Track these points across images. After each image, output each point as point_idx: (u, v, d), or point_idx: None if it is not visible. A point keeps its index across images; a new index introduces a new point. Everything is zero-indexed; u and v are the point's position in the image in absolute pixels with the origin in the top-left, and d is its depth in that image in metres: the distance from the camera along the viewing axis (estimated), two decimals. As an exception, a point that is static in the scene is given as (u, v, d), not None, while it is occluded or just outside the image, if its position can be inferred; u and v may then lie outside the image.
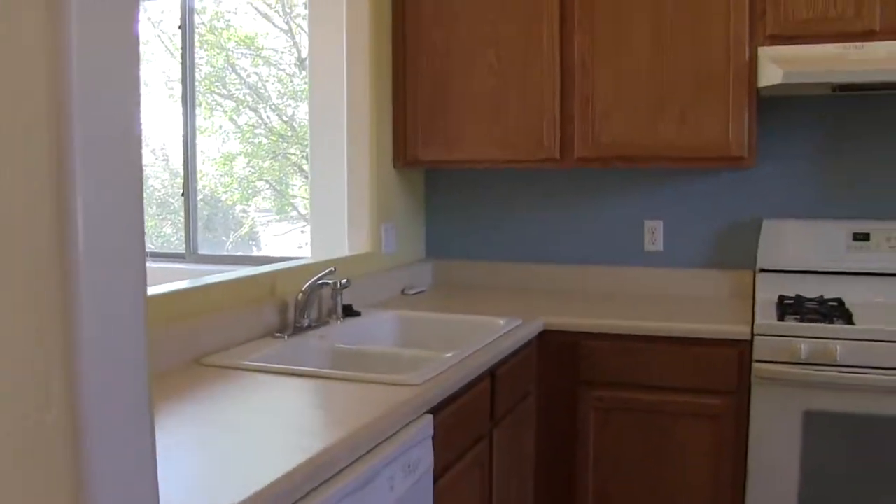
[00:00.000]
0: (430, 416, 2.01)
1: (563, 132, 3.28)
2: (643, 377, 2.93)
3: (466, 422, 2.30)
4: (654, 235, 3.58)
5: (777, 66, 2.94)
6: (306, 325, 2.64)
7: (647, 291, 3.57)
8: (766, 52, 3.02)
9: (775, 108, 3.34)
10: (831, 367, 2.74)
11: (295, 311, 2.64)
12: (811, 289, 3.28)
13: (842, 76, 2.91)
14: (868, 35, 2.95)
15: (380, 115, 3.40)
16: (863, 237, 3.28)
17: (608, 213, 3.63)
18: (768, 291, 3.34)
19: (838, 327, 2.78)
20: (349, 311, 2.89)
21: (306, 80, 5.60)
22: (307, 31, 5.80)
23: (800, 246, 3.34)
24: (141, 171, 0.94)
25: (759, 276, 3.39)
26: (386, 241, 3.45)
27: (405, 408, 1.90)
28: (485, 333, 2.69)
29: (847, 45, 2.94)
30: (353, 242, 3.38)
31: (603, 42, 3.20)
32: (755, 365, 2.82)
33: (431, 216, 3.88)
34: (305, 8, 5.62)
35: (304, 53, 5.54)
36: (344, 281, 2.79)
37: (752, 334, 2.83)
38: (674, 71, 3.14)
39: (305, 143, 5.76)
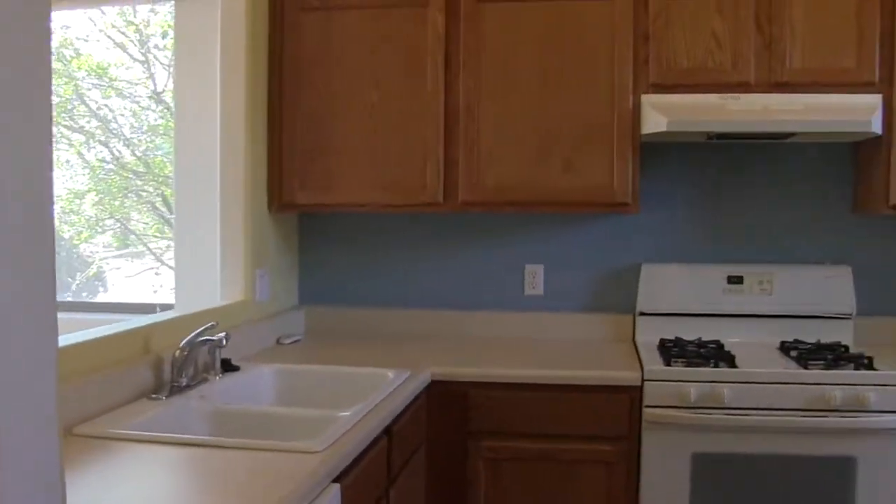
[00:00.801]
0: (337, 486, 1.88)
1: (447, 176, 3.23)
2: (534, 426, 2.88)
3: (368, 484, 2.18)
4: (535, 279, 3.57)
5: (661, 113, 2.99)
6: (184, 384, 2.44)
7: (529, 335, 3.55)
8: (649, 100, 3.06)
9: (653, 154, 3.40)
10: (719, 410, 2.78)
11: (172, 369, 2.45)
12: (689, 331, 3.34)
13: (724, 125, 2.99)
14: (744, 87, 3.04)
15: (255, 158, 3.24)
16: (737, 280, 3.36)
17: (488, 257, 3.60)
18: (648, 334, 3.39)
19: (724, 370, 2.83)
20: (228, 366, 2.71)
21: (162, 114, 5.36)
22: (168, 63, 5.55)
23: (678, 289, 3.40)
24: None
25: (639, 320, 3.43)
26: (260, 289, 3.29)
27: (311, 479, 1.76)
28: (374, 387, 2.58)
29: (725, 95, 3.02)
30: (226, 290, 3.20)
31: (489, 85, 3.17)
32: (646, 410, 2.82)
33: (305, 262, 3.74)
34: (163, 38, 5.40)
35: (161, 86, 5.30)
36: (223, 335, 2.60)
37: (643, 380, 2.83)
38: (560, 116, 3.14)
39: (161, 180, 5.50)
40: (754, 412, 2.78)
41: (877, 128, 2.95)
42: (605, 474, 2.86)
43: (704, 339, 3.29)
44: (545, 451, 2.87)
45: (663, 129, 2.97)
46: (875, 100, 2.97)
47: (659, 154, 3.43)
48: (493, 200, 3.22)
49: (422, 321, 3.61)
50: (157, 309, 3.63)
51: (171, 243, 6.74)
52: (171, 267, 6.45)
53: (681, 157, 3.46)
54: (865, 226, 3.42)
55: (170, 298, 5.11)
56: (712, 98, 3.01)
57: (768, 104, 2.98)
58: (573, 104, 3.14)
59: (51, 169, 0.84)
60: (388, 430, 2.38)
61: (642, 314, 3.43)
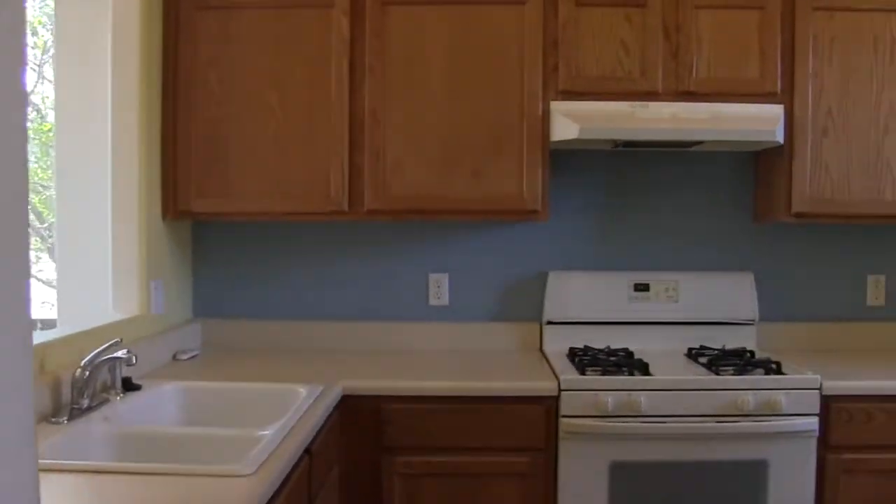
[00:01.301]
0: (267, 510, 1.76)
1: (352, 183, 3.12)
2: (450, 439, 2.80)
3: (290, 507, 2.05)
4: (440, 289, 3.50)
5: (572, 120, 2.97)
6: (86, 405, 2.25)
7: (435, 346, 3.47)
8: (558, 107, 3.04)
9: (558, 162, 3.38)
10: (636, 418, 2.77)
11: (72, 390, 2.25)
12: (597, 339, 3.34)
13: (634, 133, 3.00)
14: (652, 95, 3.06)
15: (149, 163, 3.05)
16: (643, 287, 3.38)
17: (393, 266, 3.50)
18: (556, 343, 3.37)
19: (641, 378, 2.82)
20: (129, 385, 2.52)
21: (30, 118, 5.03)
22: (38, 63, 5.24)
23: (585, 297, 3.39)
24: None
25: (547, 328, 3.40)
26: (155, 301, 3.09)
27: (243, 506, 1.64)
28: (286, 404, 2.45)
29: (633, 103, 3.03)
30: (119, 303, 2.99)
31: (396, 90, 3.08)
32: (562, 420, 2.79)
33: (199, 273, 3.55)
34: (33, 35, 5.08)
35: (29, 87, 4.97)
36: (126, 351, 2.41)
37: (559, 389, 2.80)
38: (469, 122, 3.08)
39: (35, 188, 5.17)
40: (670, 419, 2.78)
41: (780, 137, 3.02)
42: (523, 486, 2.81)
43: (613, 346, 3.28)
44: (462, 464, 2.80)
45: (575, 136, 2.95)
46: (777, 110, 3.04)
47: (564, 162, 3.42)
48: (400, 209, 3.13)
49: (325, 334, 3.48)
50: (38, 325, 3.38)
51: (41, 255, 6.36)
52: (41, 280, 6.08)
53: (586, 164, 3.46)
54: (766, 233, 3.49)
55: (44, 313, 4.80)
56: (622, 106, 3.02)
57: (676, 113, 3.01)
58: (482, 110, 3.09)
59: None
60: (308, 450, 2.25)
61: (550, 323, 3.40)
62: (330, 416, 2.59)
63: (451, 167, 3.10)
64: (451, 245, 3.50)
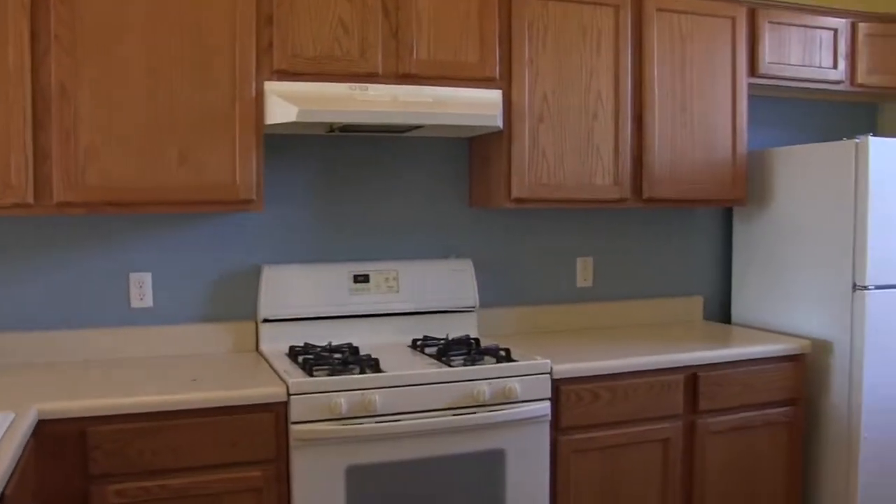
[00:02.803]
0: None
1: (38, 171, 2.68)
2: (171, 460, 2.49)
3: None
4: (142, 289, 3.13)
5: (289, 102, 2.75)
6: None
7: (140, 354, 3.11)
8: (273, 88, 2.81)
9: (270, 148, 3.15)
10: (371, 419, 2.63)
11: None
12: (318, 335, 3.17)
13: (356, 116, 2.83)
14: (372, 77, 2.92)
15: None
16: (363, 279, 3.24)
17: (87, 266, 3.07)
18: (275, 342, 3.15)
19: (373, 377, 2.67)
20: None
21: None
22: None
23: (302, 292, 3.19)
24: None
25: (263, 327, 3.16)
26: None
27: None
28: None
29: (353, 85, 2.87)
30: None
31: (89, 66, 2.68)
32: (293, 427, 2.58)
33: None
34: None
35: None
36: None
37: (288, 394, 2.58)
38: (175, 104, 2.75)
39: None
40: (406, 416, 2.67)
41: (500, 122, 3.00)
42: (258, 502, 2.57)
43: (335, 342, 3.13)
44: (186, 486, 2.50)
45: (293, 118, 2.74)
46: (497, 95, 3.03)
47: (278, 148, 3.19)
48: (96, 201, 2.73)
49: (9, 347, 2.99)
50: None
51: None
52: None
53: (301, 151, 3.25)
54: (482, 220, 3.49)
55: None
56: (341, 88, 2.85)
57: (397, 96, 2.89)
58: (190, 90, 2.77)
59: None
60: (1, 497, 1.87)
61: (266, 321, 3.16)
62: (26, 447, 2.19)
63: (155, 153, 2.75)
64: (153, 240, 3.14)
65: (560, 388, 2.87)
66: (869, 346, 3.24)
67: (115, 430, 2.45)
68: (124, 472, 2.46)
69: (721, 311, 4.01)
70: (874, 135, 3.21)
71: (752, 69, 3.56)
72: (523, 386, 2.78)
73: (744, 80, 3.51)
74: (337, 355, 2.91)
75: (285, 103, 2.77)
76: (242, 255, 3.23)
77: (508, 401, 2.76)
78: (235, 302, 3.23)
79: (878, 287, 3.25)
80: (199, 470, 2.52)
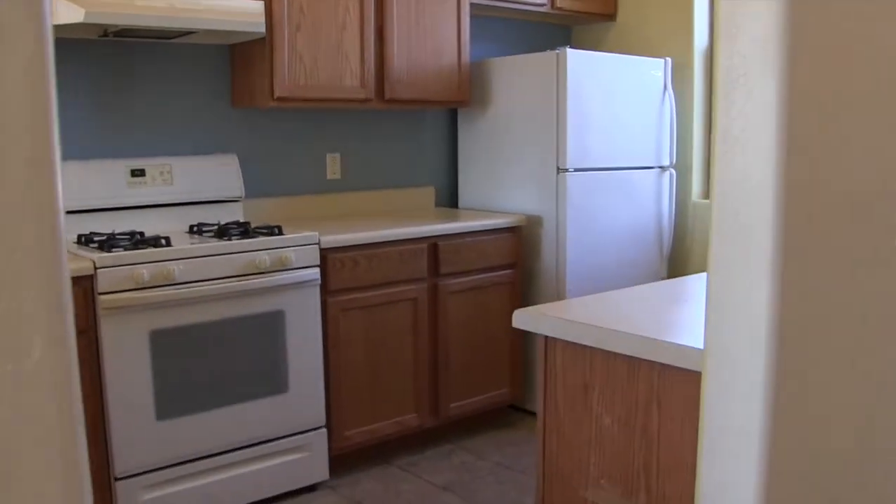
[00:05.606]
0: None
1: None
2: None
3: None
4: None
5: (76, 4, 2.99)
6: None
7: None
8: (56, -8, 3.02)
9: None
10: (171, 287, 3.00)
11: None
12: (99, 226, 3.43)
13: (141, 20, 3.11)
14: (148, -17, 3.20)
15: None
16: (140, 173, 3.54)
17: None
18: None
19: (173, 249, 3.04)
20: None
21: None
22: None
23: (82, 186, 3.43)
24: None
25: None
26: None
27: None
28: None
29: (132, -9, 3.14)
30: None
31: None
32: (101, 297, 2.90)
33: None
34: None
35: None
36: None
37: (95, 268, 2.89)
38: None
39: None
40: (200, 284, 3.06)
41: (264, 29, 3.40)
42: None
43: (118, 231, 3.41)
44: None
45: (80, 20, 2.98)
46: (260, 6, 3.41)
47: (55, 52, 3.37)
48: None
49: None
50: None
51: None
52: None
53: (76, 55, 3.46)
54: (247, 119, 3.88)
55: None
56: (119, -9, 3.12)
57: (173, 3, 3.20)
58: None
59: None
60: None
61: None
62: None
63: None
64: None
65: (327, 257, 3.38)
66: (570, 218, 4.04)
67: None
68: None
69: (450, 199, 4.68)
70: (571, 48, 3.96)
71: (474, -9, 4.20)
72: (297, 255, 3.27)
73: (466, 1, 4.14)
74: (126, 238, 3.22)
75: (72, 5, 3.00)
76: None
77: (285, 268, 3.24)
78: (15, 198, 3.41)
79: (576, 170, 4.05)
80: None
